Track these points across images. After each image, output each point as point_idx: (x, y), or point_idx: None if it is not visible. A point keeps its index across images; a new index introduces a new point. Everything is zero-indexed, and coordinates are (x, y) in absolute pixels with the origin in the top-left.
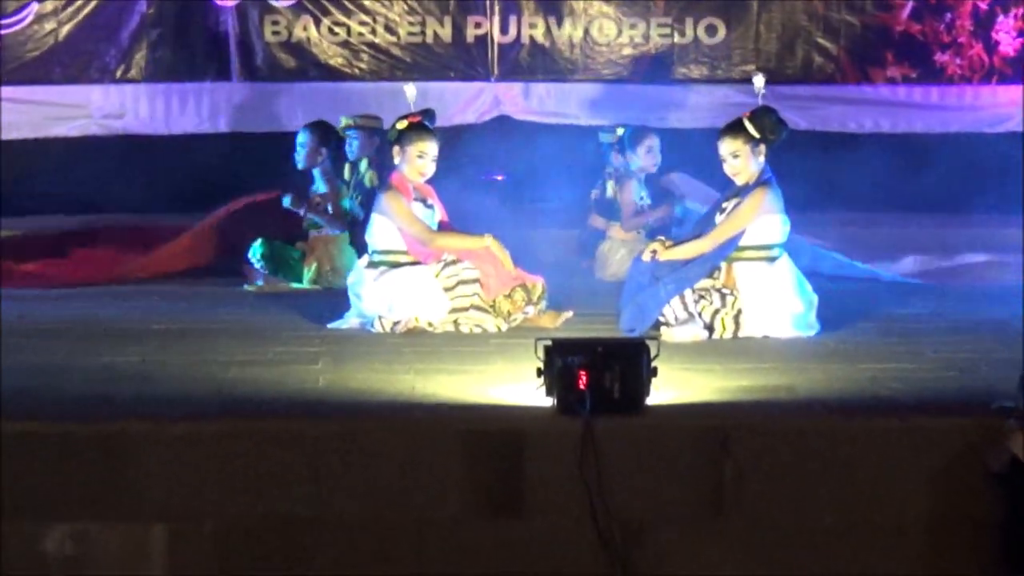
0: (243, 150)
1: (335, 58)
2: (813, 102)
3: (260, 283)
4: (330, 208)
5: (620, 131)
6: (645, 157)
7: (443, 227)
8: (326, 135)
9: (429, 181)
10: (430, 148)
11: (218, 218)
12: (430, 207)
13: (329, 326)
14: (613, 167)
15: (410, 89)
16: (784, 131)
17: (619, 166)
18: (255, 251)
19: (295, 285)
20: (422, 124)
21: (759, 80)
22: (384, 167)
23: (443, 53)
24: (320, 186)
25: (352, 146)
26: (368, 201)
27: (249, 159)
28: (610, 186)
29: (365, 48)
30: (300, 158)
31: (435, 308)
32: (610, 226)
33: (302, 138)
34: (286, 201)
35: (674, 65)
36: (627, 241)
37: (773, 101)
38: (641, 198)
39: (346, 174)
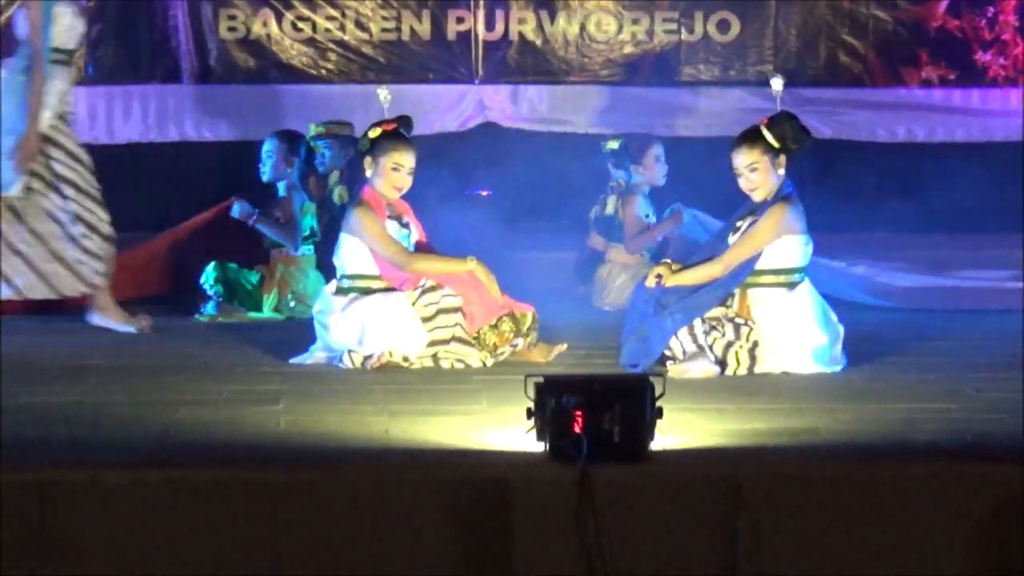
0: (196, 160)
1: (299, 58)
2: (839, 107)
3: (214, 312)
4: (295, 220)
5: (612, 144)
6: (651, 168)
7: (421, 248)
8: (295, 144)
9: (405, 197)
10: (406, 159)
11: (167, 241)
12: (406, 226)
13: (292, 361)
14: (616, 180)
15: (384, 92)
16: (807, 140)
17: (619, 178)
18: (208, 276)
19: (253, 314)
20: (397, 132)
21: (778, 82)
22: (355, 181)
23: (421, 52)
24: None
25: (323, 157)
26: (338, 219)
27: (203, 171)
28: (611, 202)
29: (333, 46)
30: (267, 169)
31: (412, 340)
32: (611, 248)
33: (269, 147)
34: (235, 210)
35: (682, 65)
36: (629, 265)
37: (794, 106)
38: (647, 215)
39: (312, 186)
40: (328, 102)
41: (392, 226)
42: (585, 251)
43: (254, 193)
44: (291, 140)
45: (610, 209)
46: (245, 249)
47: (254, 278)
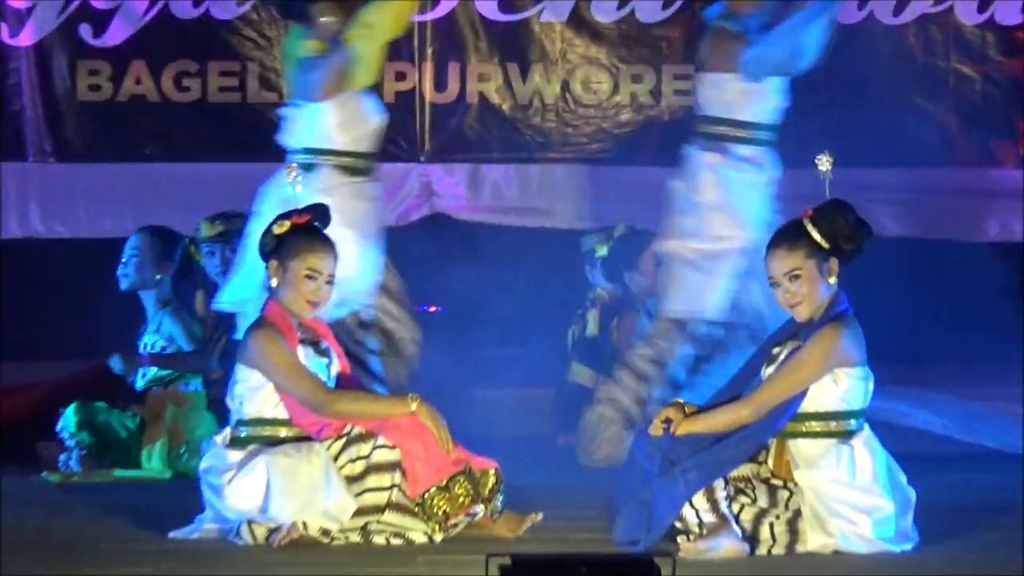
0: (44, 265)
1: (184, 127)
2: (909, 194)
3: (75, 468)
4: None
5: (598, 247)
6: (651, 274)
7: (345, 384)
8: (171, 244)
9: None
10: (324, 264)
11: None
12: (325, 353)
13: (172, 536)
14: (597, 290)
15: (293, 173)
16: (865, 238)
17: (602, 288)
18: (68, 420)
19: (120, 474)
20: (311, 227)
21: (825, 161)
22: None
23: None
24: (157, 321)
25: (213, 261)
26: (233, 345)
27: (53, 280)
28: (592, 320)
29: (230, 110)
30: (129, 272)
31: (333, 508)
32: (601, 383)
33: (135, 244)
34: (116, 364)
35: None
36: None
37: (847, 193)
38: None
39: (198, 306)
40: (223, 187)
41: (306, 353)
42: (566, 387)
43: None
44: (166, 239)
45: (592, 329)
46: (114, 384)
47: (131, 423)
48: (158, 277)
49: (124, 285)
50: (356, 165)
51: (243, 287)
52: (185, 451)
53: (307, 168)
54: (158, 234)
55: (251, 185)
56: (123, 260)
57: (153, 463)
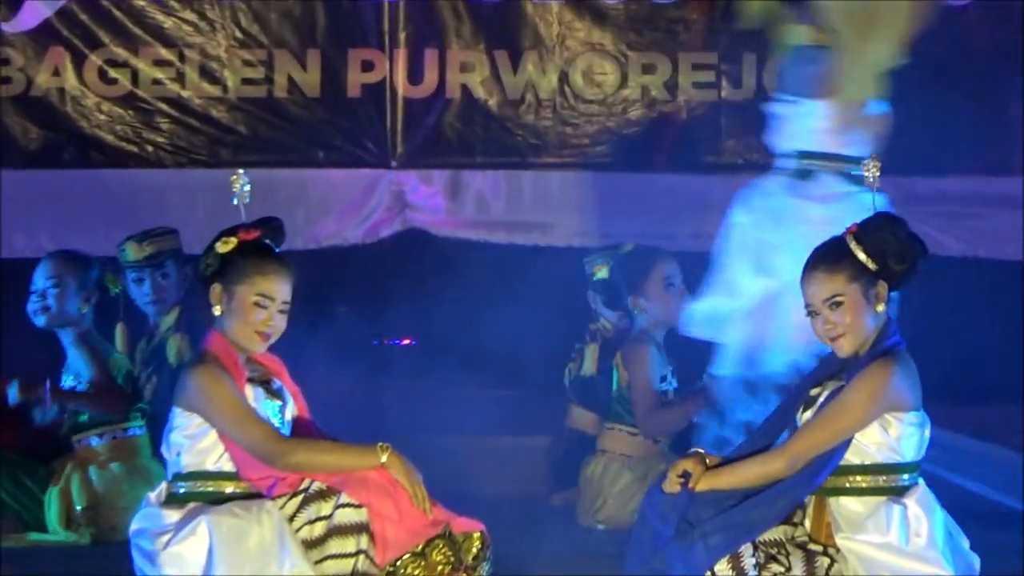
0: None
1: (112, 126)
2: (972, 206)
3: None
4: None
5: (599, 272)
6: (660, 299)
7: (303, 431)
8: (87, 271)
9: (276, 348)
10: (277, 288)
11: None
12: (277, 394)
13: None
14: (601, 322)
15: (239, 181)
16: (920, 258)
17: (605, 319)
18: None
19: (36, 537)
20: (262, 245)
21: (872, 168)
22: (197, 326)
23: (305, 116)
24: (76, 359)
25: (142, 290)
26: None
27: None
28: (590, 356)
29: (165, 107)
30: (48, 307)
31: None
32: (606, 430)
33: (49, 273)
34: (12, 394)
35: (722, 139)
36: (635, 458)
37: (900, 205)
38: (664, 378)
39: (119, 342)
40: (155, 198)
41: (255, 394)
42: (564, 434)
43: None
44: (83, 264)
45: (588, 367)
46: (28, 436)
47: (42, 475)
48: (84, 310)
49: (42, 322)
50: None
51: (718, 305)
52: (109, 511)
53: (803, 175)
54: (75, 261)
55: (191, 196)
56: (37, 291)
57: (64, 527)
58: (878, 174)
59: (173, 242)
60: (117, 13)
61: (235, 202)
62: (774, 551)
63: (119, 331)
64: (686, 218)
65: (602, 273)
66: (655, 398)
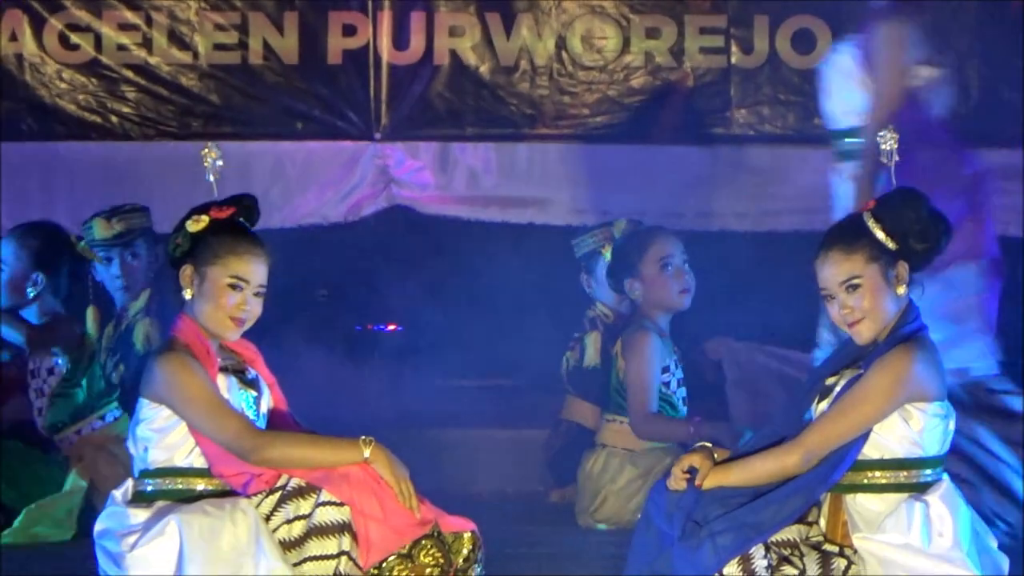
0: None
1: (74, 95)
2: (1006, 179)
3: None
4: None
5: (607, 252)
6: (656, 281)
7: (279, 423)
8: (54, 246)
9: (251, 335)
10: (252, 270)
11: None
12: (252, 384)
13: None
14: (599, 305)
15: (212, 154)
16: (943, 236)
17: (603, 303)
18: None
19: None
20: (235, 224)
21: (888, 140)
22: (167, 311)
23: (281, 85)
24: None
25: (110, 271)
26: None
27: None
28: (591, 345)
29: (131, 75)
30: None
31: None
32: (606, 423)
33: (5, 251)
34: None
35: (732, 108)
36: (637, 453)
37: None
38: (666, 369)
39: (90, 326)
40: (121, 173)
41: (228, 384)
42: (561, 427)
43: None
44: (46, 240)
45: (592, 357)
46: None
47: (55, 467)
48: (34, 290)
49: None
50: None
51: None
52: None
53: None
54: (34, 234)
55: (159, 170)
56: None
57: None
58: (895, 146)
59: (144, 220)
60: None
61: (208, 178)
62: (787, 552)
63: (90, 313)
64: (693, 194)
65: (608, 254)
66: (650, 397)
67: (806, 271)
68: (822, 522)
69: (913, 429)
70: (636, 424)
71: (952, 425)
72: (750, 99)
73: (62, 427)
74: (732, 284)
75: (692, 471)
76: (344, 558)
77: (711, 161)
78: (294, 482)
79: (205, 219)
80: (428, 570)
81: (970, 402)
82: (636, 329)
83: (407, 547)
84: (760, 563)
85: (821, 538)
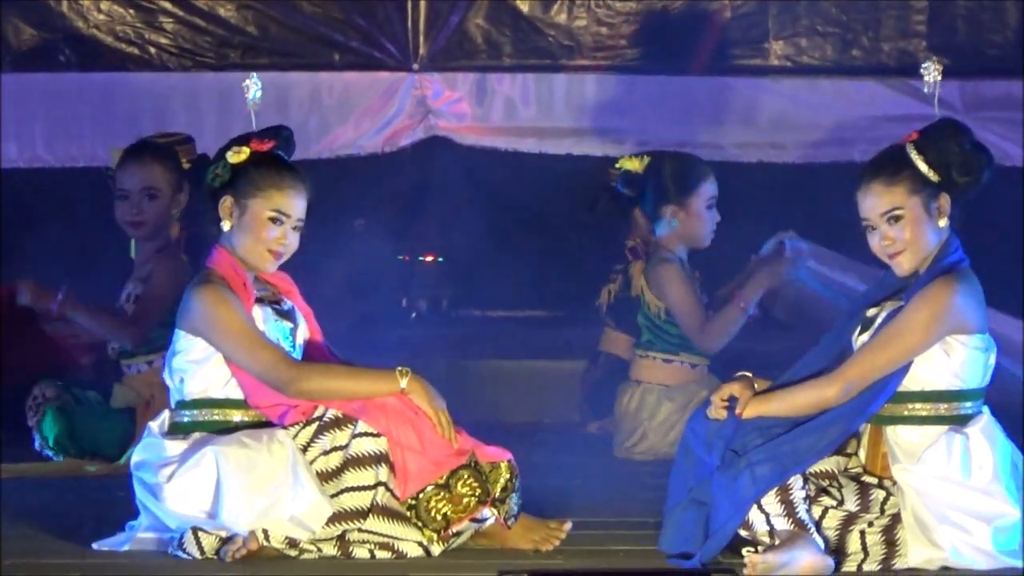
0: None
1: (111, 26)
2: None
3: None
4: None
5: (632, 163)
6: (695, 217)
7: (315, 354)
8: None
9: (288, 267)
10: (292, 204)
11: None
12: (288, 315)
13: (97, 547)
14: (637, 237)
15: (252, 86)
16: (985, 168)
17: (648, 230)
18: (48, 429)
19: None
20: (274, 157)
21: (932, 71)
22: (201, 243)
23: (318, 16)
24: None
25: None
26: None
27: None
28: (637, 274)
29: (169, 6)
30: (145, 208)
31: (302, 512)
32: (640, 354)
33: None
34: (21, 295)
35: (770, 40)
36: (673, 387)
37: (964, 111)
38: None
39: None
40: (160, 102)
41: (264, 315)
42: (598, 360)
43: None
44: (176, 154)
45: (637, 286)
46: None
47: (112, 410)
48: (176, 213)
49: (140, 232)
50: None
51: None
52: None
53: None
54: (165, 151)
55: (196, 101)
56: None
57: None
58: (940, 78)
59: (190, 151)
60: None
61: (248, 108)
62: (825, 483)
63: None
64: (731, 126)
65: (635, 164)
66: (700, 313)
67: (844, 202)
68: (861, 454)
69: (954, 361)
70: (700, 342)
71: (993, 359)
72: (788, 30)
73: (133, 354)
74: (768, 216)
75: (732, 400)
76: (381, 489)
77: (750, 92)
78: (331, 413)
79: (246, 151)
80: (466, 500)
81: None
82: (659, 262)
83: (444, 477)
84: (798, 494)
85: (860, 470)
